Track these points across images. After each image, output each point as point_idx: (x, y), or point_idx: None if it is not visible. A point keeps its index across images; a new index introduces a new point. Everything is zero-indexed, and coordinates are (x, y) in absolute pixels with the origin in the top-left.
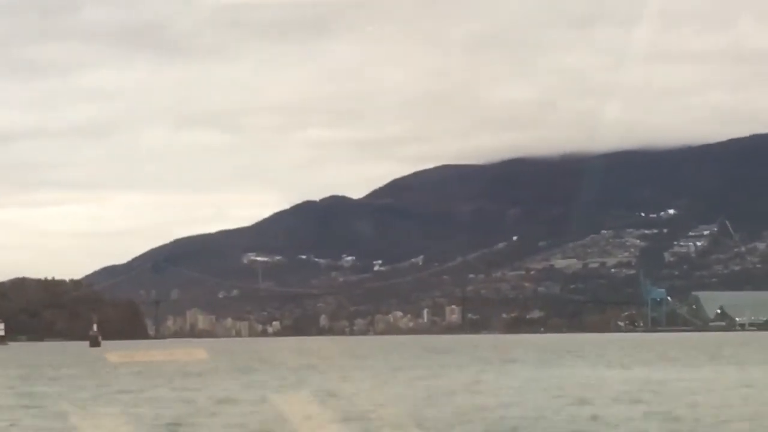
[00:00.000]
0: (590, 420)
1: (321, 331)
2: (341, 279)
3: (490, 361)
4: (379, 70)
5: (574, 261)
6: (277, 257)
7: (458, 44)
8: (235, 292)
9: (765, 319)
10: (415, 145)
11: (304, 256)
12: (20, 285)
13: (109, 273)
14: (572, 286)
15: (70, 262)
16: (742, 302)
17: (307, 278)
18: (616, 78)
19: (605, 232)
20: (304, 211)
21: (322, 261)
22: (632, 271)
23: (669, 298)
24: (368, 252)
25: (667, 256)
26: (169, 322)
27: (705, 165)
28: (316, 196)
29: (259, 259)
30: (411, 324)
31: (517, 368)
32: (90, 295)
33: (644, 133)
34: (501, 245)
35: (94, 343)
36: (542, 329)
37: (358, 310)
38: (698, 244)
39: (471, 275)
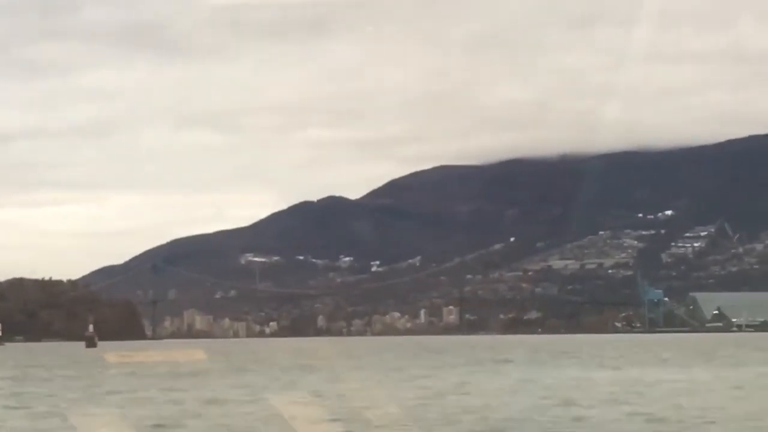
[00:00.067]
0: (573, 421)
1: (318, 332)
2: (339, 280)
3: (484, 362)
4: (378, 71)
5: (571, 262)
6: (275, 258)
7: (457, 44)
8: (232, 292)
9: (762, 320)
10: (414, 145)
11: (301, 257)
12: (18, 285)
13: (106, 273)
14: (570, 287)
15: (68, 262)
16: (739, 303)
17: (304, 279)
18: (615, 79)
19: (603, 233)
20: (302, 212)
21: (319, 262)
22: (630, 272)
23: (666, 299)
24: (366, 253)
25: (665, 257)
26: (167, 323)
27: (703, 166)
28: (314, 196)
29: (256, 259)
30: (408, 325)
31: (509, 369)
32: (87, 296)
33: (642, 134)
34: (498, 246)
35: (90, 344)
36: (540, 330)
37: (355, 311)
38: (696, 245)
39: (468, 276)
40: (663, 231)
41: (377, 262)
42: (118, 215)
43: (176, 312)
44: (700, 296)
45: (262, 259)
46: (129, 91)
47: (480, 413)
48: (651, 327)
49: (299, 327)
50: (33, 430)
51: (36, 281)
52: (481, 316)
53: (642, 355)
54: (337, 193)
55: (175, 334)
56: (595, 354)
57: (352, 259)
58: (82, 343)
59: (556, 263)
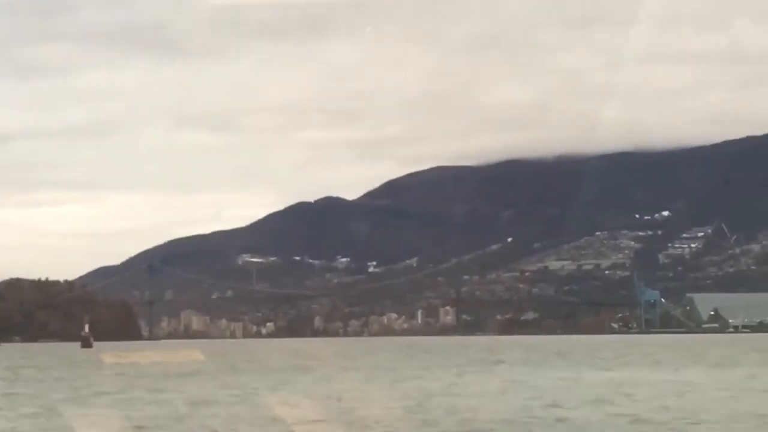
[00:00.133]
0: (557, 422)
1: (315, 333)
2: (335, 280)
3: (476, 362)
4: (377, 71)
5: (568, 263)
6: (272, 258)
7: (456, 45)
8: (229, 293)
9: (758, 321)
10: (411, 145)
11: (298, 258)
12: (15, 286)
13: (103, 273)
14: (566, 288)
15: (66, 263)
16: (735, 304)
17: (301, 279)
18: (612, 79)
19: (600, 233)
20: (299, 212)
21: (316, 262)
22: (626, 273)
23: (663, 299)
24: (362, 253)
25: (662, 258)
26: (163, 323)
27: (699, 167)
28: (311, 196)
29: (253, 260)
30: (405, 325)
31: (500, 370)
32: (84, 296)
33: (639, 135)
34: (495, 247)
35: (86, 344)
36: (536, 331)
37: (352, 312)
38: (692, 246)
39: (465, 276)
40: (660, 232)
41: (374, 263)
42: (116, 215)
43: (173, 312)
44: (697, 297)
45: (259, 260)
46: (127, 91)
47: (462, 414)
48: (647, 328)
49: (296, 328)
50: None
51: (33, 281)
52: (477, 317)
53: (635, 356)
54: (334, 194)
55: (171, 335)
56: (588, 355)
57: (348, 259)
58: (78, 344)
59: (553, 264)
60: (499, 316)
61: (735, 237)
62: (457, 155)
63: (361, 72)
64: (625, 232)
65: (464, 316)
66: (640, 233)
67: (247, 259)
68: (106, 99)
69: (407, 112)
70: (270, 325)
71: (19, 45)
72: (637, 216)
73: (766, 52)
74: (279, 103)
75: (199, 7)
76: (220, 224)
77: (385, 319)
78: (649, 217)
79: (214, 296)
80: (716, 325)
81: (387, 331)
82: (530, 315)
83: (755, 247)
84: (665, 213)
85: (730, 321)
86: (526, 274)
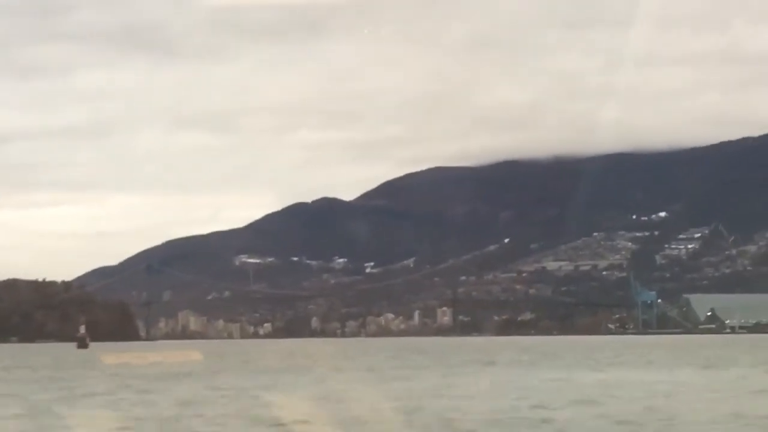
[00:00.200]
0: (541, 422)
1: (313, 333)
2: (333, 281)
3: (469, 363)
4: (375, 72)
5: (565, 263)
6: (269, 259)
7: (454, 46)
8: (226, 293)
9: (755, 321)
10: (409, 146)
11: (295, 258)
12: (12, 286)
13: (101, 274)
14: (564, 289)
15: (64, 263)
16: (732, 305)
17: (298, 280)
18: (610, 80)
19: (597, 234)
20: (296, 213)
21: (313, 263)
22: (623, 274)
23: (660, 300)
24: (360, 254)
25: (659, 259)
26: (161, 324)
27: (697, 168)
28: (309, 197)
29: (251, 260)
30: (402, 326)
31: (492, 371)
32: (81, 297)
33: (636, 136)
34: (493, 247)
35: (82, 345)
36: (533, 331)
37: (349, 312)
38: (689, 246)
39: (463, 277)
40: (657, 233)
41: (371, 264)
42: (114, 216)
43: (170, 313)
44: (694, 298)
45: (257, 260)
46: (125, 91)
47: (447, 415)
48: (644, 329)
49: (293, 328)
50: None
51: (30, 282)
52: (475, 318)
53: (629, 356)
54: (331, 195)
55: (169, 335)
56: (582, 355)
57: (346, 260)
58: (75, 344)
59: (550, 264)
60: (496, 317)
61: (733, 238)
62: (455, 156)
63: (360, 73)
64: (622, 232)
65: (461, 317)
66: (638, 234)
67: (244, 259)
68: (104, 100)
69: (405, 113)
70: (267, 325)
71: (18, 45)
72: (635, 217)
73: (764, 53)
74: (277, 103)
75: (198, 7)
76: (218, 225)
77: (382, 320)
78: (646, 218)
79: (211, 297)
80: (713, 325)
81: (384, 331)
82: (527, 316)
83: (752, 248)
84: (662, 214)
85: (727, 322)
86: (524, 274)
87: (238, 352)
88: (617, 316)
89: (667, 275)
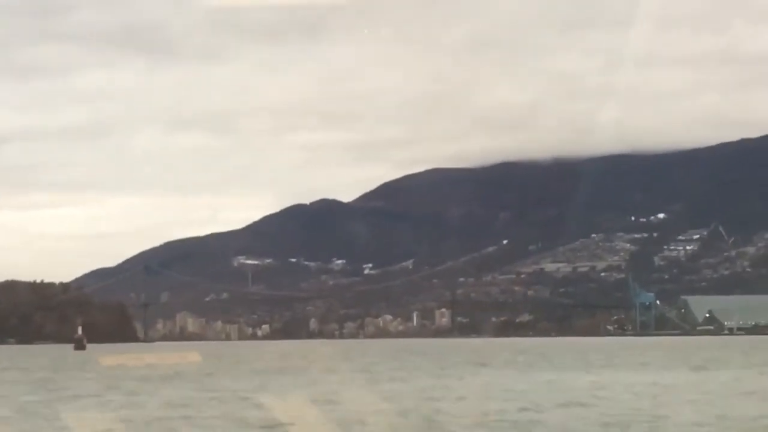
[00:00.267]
0: (529, 424)
1: (311, 335)
2: (331, 282)
3: (463, 364)
4: (373, 73)
5: (564, 265)
6: (268, 260)
7: (453, 47)
8: (225, 295)
9: (753, 323)
10: (408, 147)
11: (294, 260)
12: (10, 287)
13: (99, 275)
14: (562, 290)
15: (63, 264)
16: (730, 306)
17: (297, 281)
18: (609, 81)
19: (595, 235)
20: (295, 214)
21: (312, 264)
22: (622, 275)
23: (658, 302)
24: (358, 255)
25: (657, 260)
26: (159, 325)
27: (695, 169)
28: (307, 199)
29: (249, 262)
30: (401, 327)
31: (485, 372)
32: (79, 298)
33: (635, 137)
34: (491, 249)
35: (79, 346)
36: (531, 333)
37: (348, 314)
38: (688, 248)
39: (461, 279)
40: (655, 234)
41: (370, 265)
42: (112, 217)
43: (168, 314)
44: (692, 299)
45: (255, 262)
46: (125, 92)
47: (434, 416)
48: (642, 330)
49: (291, 330)
50: None
51: (28, 283)
52: (473, 319)
53: (625, 358)
54: (330, 196)
55: (167, 337)
56: (578, 357)
57: (344, 261)
58: (72, 346)
59: (549, 266)
60: (494, 319)
61: (732, 239)
62: (454, 157)
63: (359, 73)
64: (620, 234)
65: (460, 318)
66: (636, 235)
67: (243, 261)
68: (102, 100)
69: (404, 114)
70: (265, 327)
71: (18, 45)
72: (633, 218)
73: (764, 54)
74: (276, 104)
75: (198, 8)
76: (216, 226)
77: (380, 321)
78: (644, 220)
79: (209, 298)
80: (711, 327)
81: (383, 333)
82: (525, 317)
83: (750, 250)
84: (661, 215)
85: (725, 323)
86: (522, 276)
87: (235, 353)
88: (616, 317)
89: (666, 277)
